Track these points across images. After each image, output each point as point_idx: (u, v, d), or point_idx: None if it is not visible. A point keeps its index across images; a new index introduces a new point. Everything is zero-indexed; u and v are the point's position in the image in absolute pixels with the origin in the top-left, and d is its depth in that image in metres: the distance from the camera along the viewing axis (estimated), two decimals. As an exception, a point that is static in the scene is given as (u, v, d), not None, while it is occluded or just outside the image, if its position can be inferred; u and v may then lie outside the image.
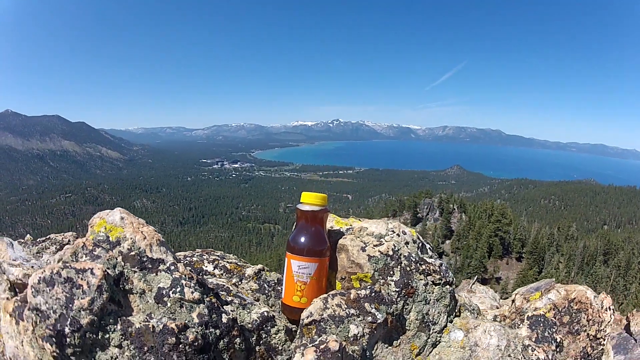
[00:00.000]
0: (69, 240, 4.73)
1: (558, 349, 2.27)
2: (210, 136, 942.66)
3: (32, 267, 3.78)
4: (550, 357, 2.20)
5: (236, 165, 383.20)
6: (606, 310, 2.37)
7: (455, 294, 2.42)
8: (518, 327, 2.35)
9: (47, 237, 4.89)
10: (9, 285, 2.23)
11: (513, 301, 2.66)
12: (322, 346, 1.79)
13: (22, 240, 4.76)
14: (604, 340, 2.41)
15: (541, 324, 2.32)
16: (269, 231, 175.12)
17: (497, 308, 2.86)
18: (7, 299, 1.97)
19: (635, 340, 2.51)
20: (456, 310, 2.37)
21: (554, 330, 2.32)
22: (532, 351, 2.19)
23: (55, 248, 4.71)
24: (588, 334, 2.34)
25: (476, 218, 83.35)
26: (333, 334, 1.90)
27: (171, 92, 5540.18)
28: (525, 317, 2.38)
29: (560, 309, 2.36)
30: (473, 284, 3.90)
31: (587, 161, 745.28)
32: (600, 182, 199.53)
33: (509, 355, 2.15)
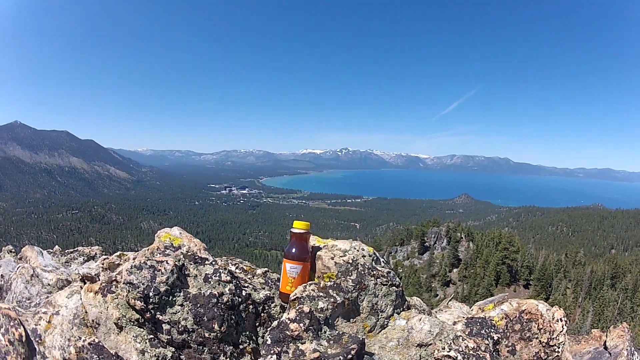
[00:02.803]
0: (95, 254, 6.15)
1: (511, 353, 3.23)
2: (219, 161, 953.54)
3: (62, 273, 4.80)
4: (483, 349, 3.06)
5: (244, 192, 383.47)
6: (557, 321, 3.18)
7: (405, 297, 3.50)
8: (456, 324, 3.33)
9: (76, 249, 6.31)
10: (80, 277, 3.40)
11: (471, 312, 3.69)
12: (299, 309, 2.90)
13: (51, 250, 6.13)
14: (559, 348, 3.23)
15: (478, 324, 3.27)
16: (276, 258, 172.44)
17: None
18: (81, 287, 3.09)
19: (610, 354, 3.22)
20: (404, 307, 3.40)
21: (491, 330, 3.26)
22: (462, 340, 3.05)
23: (83, 259, 5.98)
24: (540, 340, 3.22)
25: (484, 246, 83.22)
26: (307, 305, 2.97)
27: (181, 115, 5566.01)
28: (465, 318, 3.34)
29: (511, 318, 3.23)
30: (449, 300, 4.54)
31: (595, 186, 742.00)
32: (607, 206, 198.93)
33: (440, 340, 3.06)
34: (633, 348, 3.78)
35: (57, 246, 6.32)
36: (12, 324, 2.66)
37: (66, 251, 6.22)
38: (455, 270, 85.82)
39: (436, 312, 4.23)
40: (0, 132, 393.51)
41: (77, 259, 5.82)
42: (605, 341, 3.69)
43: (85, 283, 3.20)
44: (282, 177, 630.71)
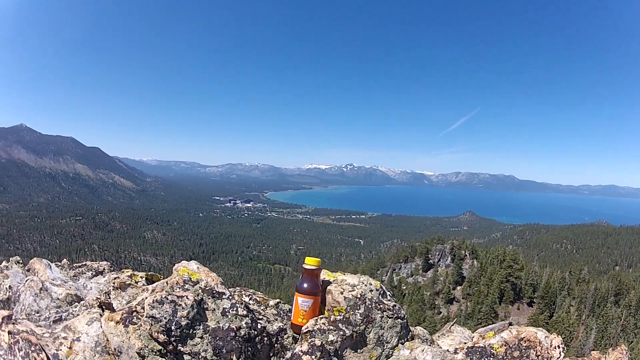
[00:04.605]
0: (104, 269, 6.04)
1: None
2: (224, 174, 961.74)
3: (71, 288, 4.80)
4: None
5: (249, 205, 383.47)
6: (555, 348, 3.25)
7: (409, 327, 3.74)
8: (457, 354, 3.41)
9: (84, 263, 6.16)
10: (98, 302, 3.51)
11: (472, 338, 3.82)
12: (311, 342, 3.23)
13: (59, 263, 6.05)
14: (556, 373, 3.44)
15: (478, 353, 3.33)
16: (279, 272, 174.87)
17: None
18: (100, 314, 3.20)
19: (609, 376, 3.26)
20: (408, 337, 3.66)
21: (491, 359, 3.30)
22: (463, 370, 3.29)
23: (91, 274, 5.90)
24: (538, 366, 3.43)
25: (488, 264, 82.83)
26: (318, 338, 3.27)
27: (187, 127, 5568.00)
28: (466, 347, 3.41)
29: (510, 345, 3.28)
30: (452, 325, 4.64)
31: (599, 203, 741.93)
32: (611, 223, 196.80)
33: (441, 370, 3.31)
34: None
35: (65, 260, 6.23)
36: (32, 349, 2.72)
37: (74, 265, 6.10)
38: (459, 287, 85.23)
39: (438, 336, 4.31)
40: (5, 134, 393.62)
41: (85, 273, 5.77)
42: (603, 363, 3.85)
43: (102, 308, 3.36)
44: (287, 192, 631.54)
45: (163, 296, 3.04)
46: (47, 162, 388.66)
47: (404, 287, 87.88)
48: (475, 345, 3.38)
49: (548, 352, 3.23)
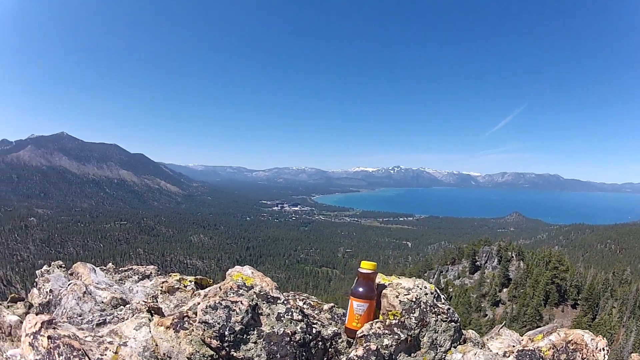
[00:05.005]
0: (151, 272, 5.83)
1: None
2: (270, 178, 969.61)
3: (116, 291, 4.84)
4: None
5: (296, 208, 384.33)
6: (600, 351, 3.36)
7: (462, 330, 3.77)
8: (507, 357, 3.50)
9: (130, 267, 6.01)
10: (147, 307, 3.59)
11: (521, 341, 3.90)
12: (366, 346, 3.25)
13: (104, 267, 5.87)
14: (600, 374, 3.53)
15: (527, 356, 3.39)
16: (327, 275, 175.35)
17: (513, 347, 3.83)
18: (149, 319, 3.25)
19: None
20: (460, 340, 3.67)
21: None
22: (513, 375, 3.36)
23: (138, 277, 5.74)
24: (583, 369, 3.49)
25: (534, 265, 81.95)
26: (373, 343, 3.30)
27: (233, 132, 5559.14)
28: (515, 350, 3.47)
29: (558, 348, 3.36)
30: (500, 328, 4.58)
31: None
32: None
33: (493, 374, 3.38)
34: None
35: (110, 264, 6.16)
36: (74, 354, 2.74)
37: (120, 269, 5.94)
38: (505, 290, 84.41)
39: (487, 339, 4.25)
40: (45, 142, 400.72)
41: (131, 277, 5.65)
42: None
43: (151, 313, 3.42)
44: (335, 195, 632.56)
45: (217, 301, 3.09)
46: (90, 168, 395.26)
47: (451, 290, 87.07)
48: (525, 348, 3.44)
49: (593, 355, 3.31)
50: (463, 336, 3.73)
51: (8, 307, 4.81)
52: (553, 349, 3.33)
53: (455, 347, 3.59)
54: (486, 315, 78.75)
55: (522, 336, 4.14)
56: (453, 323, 3.60)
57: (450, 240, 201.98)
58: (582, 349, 3.29)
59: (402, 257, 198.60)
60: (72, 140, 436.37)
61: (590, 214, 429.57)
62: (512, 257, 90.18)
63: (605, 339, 3.35)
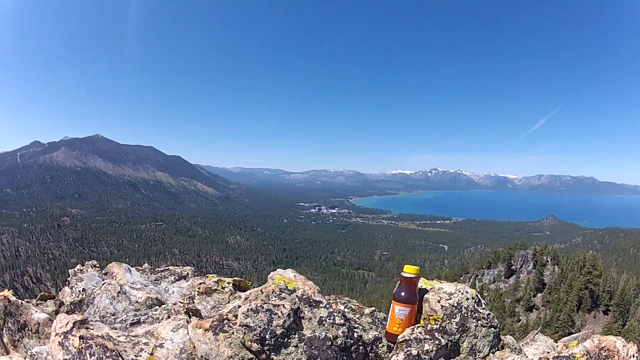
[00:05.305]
0: (187, 274, 5.93)
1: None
2: (308, 180, 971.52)
3: (151, 291, 4.90)
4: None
5: (334, 211, 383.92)
6: (630, 357, 3.32)
7: (500, 336, 3.77)
8: None
9: (167, 267, 6.15)
10: (185, 309, 3.69)
11: (556, 348, 3.95)
12: (407, 351, 3.26)
13: (140, 268, 5.99)
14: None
15: None
16: (363, 277, 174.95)
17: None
18: (187, 320, 3.34)
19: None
20: (499, 346, 3.67)
21: None
22: (549, 379, 3.37)
23: (174, 278, 5.82)
24: (614, 376, 3.51)
25: (568, 270, 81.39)
26: (414, 348, 3.30)
27: (270, 134, 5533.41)
28: (551, 357, 3.48)
29: (591, 355, 3.34)
30: (536, 334, 4.59)
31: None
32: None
33: (530, 379, 3.41)
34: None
35: (146, 264, 6.30)
36: (107, 355, 2.74)
37: (156, 269, 6.11)
38: (539, 294, 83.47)
39: (523, 345, 4.27)
40: (80, 144, 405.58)
41: (167, 277, 5.78)
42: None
43: (189, 315, 3.51)
44: (372, 197, 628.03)
45: (258, 305, 3.13)
46: (126, 170, 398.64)
47: (486, 294, 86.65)
48: (560, 355, 3.47)
49: (624, 361, 3.30)
50: (501, 342, 3.79)
51: (37, 304, 4.92)
52: (586, 355, 3.40)
53: (493, 353, 3.64)
54: (519, 320, 78.18)
55: (556, 342, 4.25)
56: (493, 329, 3.65)
57: (487, 244, 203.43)
58: (614, 356, 3.34)
59: (439, 261, 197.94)
60: (107, 143, 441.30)
61: (624, 217, 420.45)
62: (547, 261, 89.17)
63: (635, 345, 3.42)
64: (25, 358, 3.42)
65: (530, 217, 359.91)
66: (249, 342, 2.96)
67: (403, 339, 3.40)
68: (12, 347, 3.89)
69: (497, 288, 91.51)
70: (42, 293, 5.26)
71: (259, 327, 3.03)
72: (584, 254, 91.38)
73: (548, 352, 3.83)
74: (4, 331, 3.97)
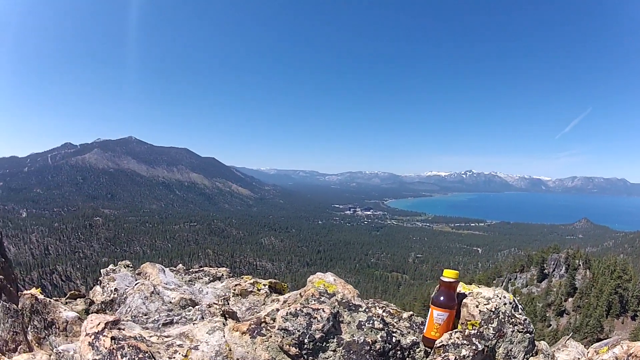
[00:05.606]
0: (222, 275, 5.93)
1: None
2: (343, 182, 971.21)
3: (185, 292, 4.96)
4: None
5: (368, 213, 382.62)
6: None
7: (535, 341, 3.75)
8: None
9: (201, 268, 6.15)
10: (222, 312, 3.73)
11: (587, 354, 3.96)
12: (445, 357, 3.26)
13: (174, 268, 6.04)
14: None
15: None
16: (396, 280, 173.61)
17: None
18: (223, 323, 3.38)
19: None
20: (533, 352, 3.66)
21: None
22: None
23: (208, 279, 5.83)
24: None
25: (599, 274, 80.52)
26: (452, 353, 3.31)
27: (305, 136, 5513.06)
28: None
29: None
30: (567, 340, 4.53)
31: None
32: None
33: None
34: None
35: (180, 264, 6.34)
36: (140, 356, 2.75)
37: (190, 270, 6.16)
38: (570, 299, 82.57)
39: (554, 351, 4.19)
40: (113, 145, 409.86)
41: (201, 278, 5.80)
42: None
43: (225, 317, 3.54)
44: (407, 200, 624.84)
45: (298, 309, 3.17)
46: (160, 171, 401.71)
47: (518, 298, 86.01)
48: None
49: (652, 368, 3.29)
50: (535, 348, 3.75)
51: (66, 303, 4.99)
52: (615, 361, 3.34)
53: (527, 359, 3.62)
54: (550, 325, 77.36)
55: (586, 348, 4.25)
56: (528, 334, 3.62)
57: (520, 247, 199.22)
58: (642, 362, 3.28)
59: (472, 264, 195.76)
60: (141, 144, 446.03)
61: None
62: (579, 265, 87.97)
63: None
64: (50, 356, 3.36)
65: (564, 219, 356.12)
66: (287, 346, 3.02)
67: (441, 344, 3.42)
68: (36, 344, 3.94)
69: (529, 292, 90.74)
70: (72, 292, 5.40)
71: (298, 331, 3.08)
72: (614, 258, 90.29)
73: (579, 358, 3.95)
74: (29, 329, 4.04)
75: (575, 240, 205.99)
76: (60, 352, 3.16)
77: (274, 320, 3.21)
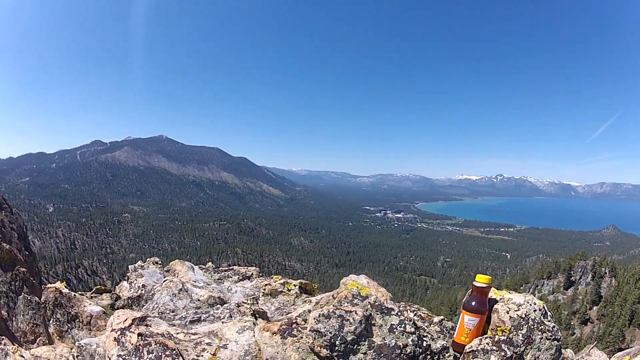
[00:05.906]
0: (252, 274, 5.98)
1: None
2: (374, 184, 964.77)
3: (213, 290, 5.04)
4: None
5: (399, 215, 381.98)
6: None
7: (561, 349, 3.72)
8: None
9: (231, 267, 6.19)
10: (252, 311, 3.71)
11: None
12: None
13: (203, 266, 6.08)
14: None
15: None
16: (424, 283, 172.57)
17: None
18: (254, 322, 3.41)
19: None
20: (560, 359, 3.64)
21: None
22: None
23: (238, 278, 5.87)
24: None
25: (624, 283, 79.78)
26: (481, 359, 3.34)
27: (337, 138, 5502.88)
28: None
29: None
30: (591, 349, 4.53)
31: None
32: None
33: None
34: None
35: (210, 263, 6.39)
36: (167, 353, 2.75)
37: (220, 268, 6.19)
38: (595, 307, 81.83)
39: (578, 359, 4.28)
40: (144, 144, 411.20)
41: (231, 277, 5.83)
42: None
43: (255, 317, 3.55)
44: (438, 203, 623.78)
45: (330, 310, 3.19)
46: (191, 170, 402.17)
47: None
48: None
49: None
50: (562, 355, 3.75)
51: (91, 297, 5.00)
52: (637, 371, 3.22)
53: None
54: (574, 333, 76.88)
55: (609, 357, 4.28)
56: (556, 342, 3.60)
57: (549, 253, 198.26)
58: (662, 372, 3.16)
59: (500, 269, 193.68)
60: (172, 143, 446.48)
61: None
62: (605, 273, 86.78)
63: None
64: (71, 349, 3.34)
65: (592, 226, 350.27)
66: (318, 348, 3.02)
67: (470, 349, 3.43)
68: (57, 337, 4.02)
69: (556, 299, 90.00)
70: (98, 287, 5.44)
71: (330, 332, 3.09)
72: (639, 266, 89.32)
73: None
74: (50, 322, 4.11)
75: (603, 248, 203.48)
76: (82, 346, 3.22)
77: (305, 321, 3.25)
